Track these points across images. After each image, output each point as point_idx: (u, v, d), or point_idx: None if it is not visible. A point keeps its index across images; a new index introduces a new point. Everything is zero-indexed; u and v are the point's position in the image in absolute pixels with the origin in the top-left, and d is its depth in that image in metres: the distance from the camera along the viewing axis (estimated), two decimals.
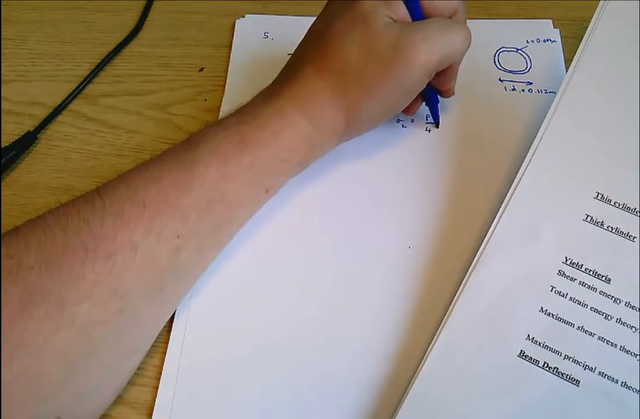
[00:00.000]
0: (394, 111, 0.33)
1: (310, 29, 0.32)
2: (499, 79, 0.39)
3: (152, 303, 0.26)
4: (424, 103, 0.36)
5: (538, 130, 0.37)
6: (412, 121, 0.38)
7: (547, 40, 0.41)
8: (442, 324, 0.28)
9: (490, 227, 0.33)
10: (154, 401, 0.28)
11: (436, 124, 0.38)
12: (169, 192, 0.26)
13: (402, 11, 0.30)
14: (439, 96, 0.36)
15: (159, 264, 0.26)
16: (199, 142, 0.28)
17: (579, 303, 0.27)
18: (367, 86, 0.30)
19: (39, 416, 0.23)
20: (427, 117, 0.38)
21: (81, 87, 0.41)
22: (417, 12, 0.30)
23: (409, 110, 0.35)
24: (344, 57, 0.29)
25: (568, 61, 0.40)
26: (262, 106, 0.30)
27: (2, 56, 0.43)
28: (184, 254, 0.27)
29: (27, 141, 0.38)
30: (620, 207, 0.29)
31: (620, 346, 0.26)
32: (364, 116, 0.31)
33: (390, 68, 0.29)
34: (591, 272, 0.28)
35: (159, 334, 0.30)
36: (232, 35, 0.43)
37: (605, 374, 0.26)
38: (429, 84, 0.33)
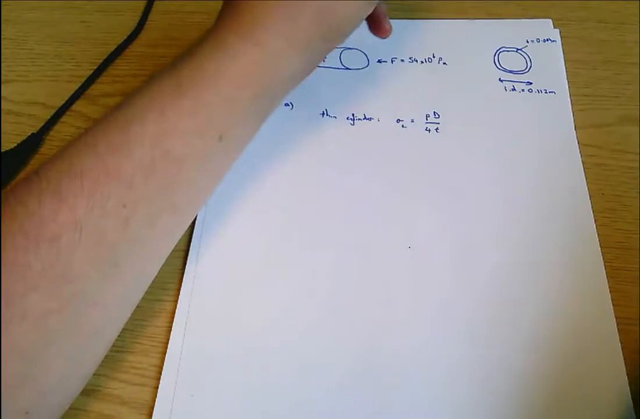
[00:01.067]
0: (367, 12, 0.29)
1: None
2: (499, 79, 0.39)
3: (108, 281, 0.24)
4: None
5: (538, 130, 0.37)
6: (412, 120, 0.38)
7: (547, 40, 0.41)
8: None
9: (490, 227, 0.33)
10: (154, 401, 0.28)
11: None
12: (106, 159, 0.24)
13: None
14: None
15: (108, 239, 0.24)
16: (132, 99, 0.26)
17: None
18: None
19: (6, 414, 0.22)
20: (426, 117, 0.38)
21: (84, 87, 0.41)
22: None
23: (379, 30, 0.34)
24: None
25: (568, 61, 0.40)
26: (201, 44, 0.27)
27: (2, 56, 0.43)
28: (133, 223, 0.24)
29: (33, 143, 0.37)
30: None
31: None
32: (340, 15, 0.28)
33: None
34: None
35: (159, 334, 0.30)
36: None
37: None
38: None
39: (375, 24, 0.34)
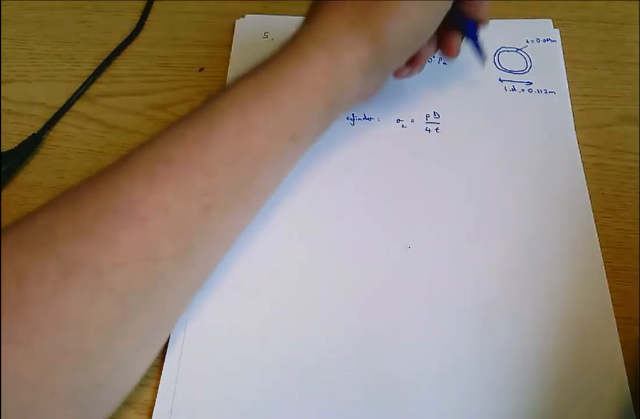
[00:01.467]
0: (423, 36, 0.31)
1: None
2: (499, 79, 0.39)
3: (185, 265, 0.26)
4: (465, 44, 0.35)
5: (538, 130, 0.37)
6: (412, 120, 0.38)
7: (547, 40, 0.41)
8: None
9: (489, 227, 0.33)
10: (154, 401, 0.28)
11: (482, 59, 0.36)
12: (193, 149, 0.26)
13: None
14: (477, 26, 0.34)
15: (190, 224, 0.25)
16: (217, 96, 0.28)
17: None
18: (389, 7, 0.29)
19: (82, 387, 0.23)
20: (426, 117, 0.38)
21: (84, 87, 0.41)
22: None
23: (450, 50, 0.34)
24: None
25: (568, 61, 0.40)
26: (280, 51, 0.29)
27: (2, 56, 0.43)
28: (213, 213, 0.26)
29: (33, 143, 0.37)
30: None
31: None
32: (390, 40, 0.30)
33: None
34: None
35: None
36: (232, 35, 0.43)
37: None
38: (463, 16, 0.32)
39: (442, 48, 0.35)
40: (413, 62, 0.34)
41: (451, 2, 0.31)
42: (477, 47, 0.35)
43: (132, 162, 0.25)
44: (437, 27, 0.32)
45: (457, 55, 0.35)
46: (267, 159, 0.28)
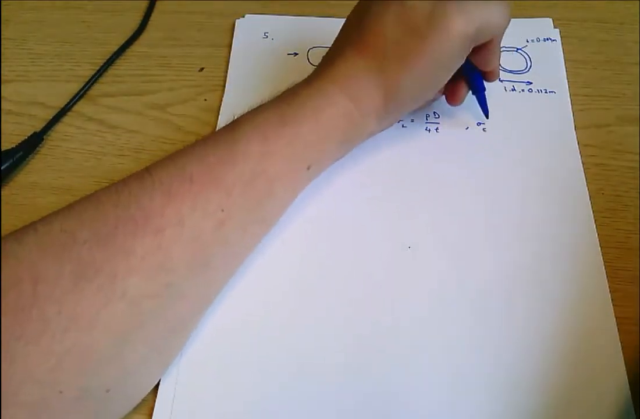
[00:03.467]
0: (434, 88, 0.33)
1: (347, 18, 0.33)
2: (499, 79, 0.39)
3: (198, 278, 0.27)
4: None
5: (538, 130, 0.37)
6: (412, 120, 0.38)
7: (548, 39, 0.41)
8: None
9: (490, 227, 0.33)
10: (154, 401, 0.28)
11: (485, 114, 0.37)
12: (214, 168, 0.27)
13: None
14: (484, 83, 0.35)
15: (204, 238, 0.26)
16: (240, 123, 0.29)
17: None
18: (404, 61, 0.30)
19: (89, 389, 0.23)
20: (426, 117, 0.38)
21: (86, 87, 0.41)
22: None
23: (454, 98, 0.35)
24: (381, 35, 0.30)
25: (568, 61, 0.40)
26: (303, 87, 0.31)
27: (2, 56, 0.43)
28: (228, 228, 0.27)
29: (34, 142, 0.37)
30: None
31: None
32: (403, 93, 0.31)
33: (426, 40, 0.29)
34: None
35: None
36: (232, 35, 0.43)
37: None
38: (472, 68, 0.32)
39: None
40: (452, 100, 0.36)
41: (464, 59, 0.31)
42: (482, 100, 0.36)
43: (154, 176, 0.27)
44: (446, 81, 0.33)
45: (460, 103, 0.36)
46: (281, 183, 0.29)
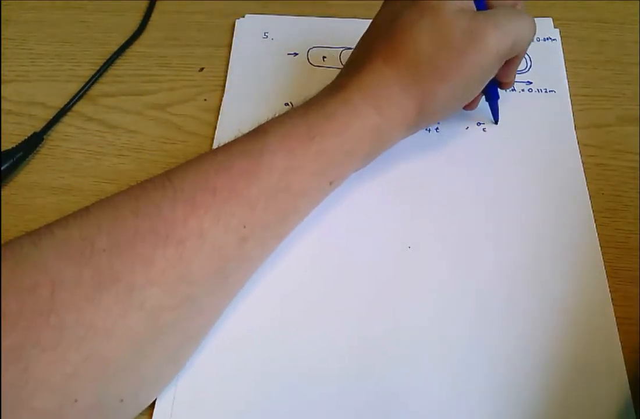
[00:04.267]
0: (466, 100, 0.33)
1: (373, 21, 0.32)
2: None
3: (216, 291, 0.27)
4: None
5: (538, 130, 0.37)
6: None
7: (548, 39, 0.41)
8: None
9: (489, 227, 0.33)
10: (154, 401, 0.28)
11: (495, 120, 0.37)
12: (237, 181, 0.27)
13: (469, 2, 0.30)
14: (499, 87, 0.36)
15: (225, 252, 0.26)
16: (266, 132, 0.29)
17: None
18: (441, 74, 0.30)
19: (104, 399, 0.23)
20: None
21: (86, 87, 0.41)
22: (481, 3, 0.31)
23: (470, 105, 0.35)
24: (414, 46, 0.30)
25: (568, 61, 0.40)
26: (330, 97, 0.30)
27: (2, 56, 0.43)
28: (249, 244, 0.27)
29: (34, 142, 0.37)
30: None
31: None
32: (437, 105, 0.31)
33: (464, 54, 0.29)
34: None
35: None
36: (232, 35, 0.43)
37: None
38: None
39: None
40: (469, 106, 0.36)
41: (496, 73, 0.32)
42: (495, 108, 0.37)
43: (176, 185, 0.26)
44: (478, 93, 0.33)
45: (474, 109, 0.36)
46: (305, 199, 0.29)
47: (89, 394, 0.23)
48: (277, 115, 0.30)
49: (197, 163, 0.27)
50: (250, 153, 0.28)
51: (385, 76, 0.30)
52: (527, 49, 0.33)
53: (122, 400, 0.24)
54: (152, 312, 0.24)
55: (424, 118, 0.32)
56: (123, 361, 0.23)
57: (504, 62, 0.31)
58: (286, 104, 0.38)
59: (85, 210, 0.26)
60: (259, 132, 0.29)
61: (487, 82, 0.32)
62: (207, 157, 0.28)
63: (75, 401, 0.22)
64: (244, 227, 0.26)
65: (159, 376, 0.26)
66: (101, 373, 0.23)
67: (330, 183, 0.30)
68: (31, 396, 0.21)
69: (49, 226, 0.25)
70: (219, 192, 0.26)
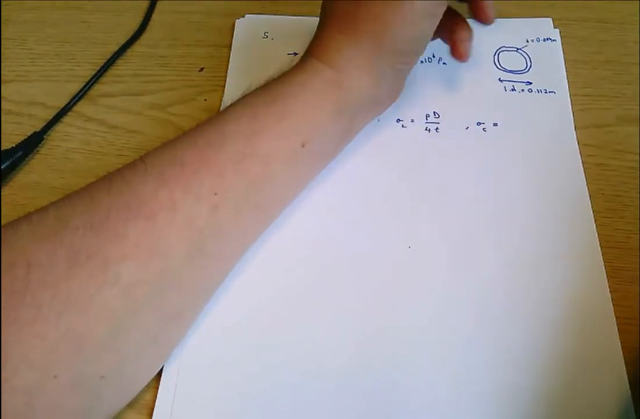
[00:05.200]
0: (424, 38, 0.32)
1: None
2: (499, 79, 0.39)
3: (193, 265, 0.27)
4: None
5: (538, 130, 0.37)
6: (412, 120, 0.38)
7: (548, 39, 0.41)
8: None
9: (489, 226, 0.33)
10: (154, 401, 0.28)
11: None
12: (204, 151, 0.27)
13: None
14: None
15: (198, 222, 0.26)
16: (230, 105, 0.30)
17: None
18: (379, 20, 0.30)
19: (83, 375, 0.23)
20: (426, 117, 0.38)
21: (86, 87, 0.41)
22: None
23: (458, 53, 0.35)
24: (351, 3, 0.30)
25: (568, 61, 0.40)
26: (288, 69, 0.31)
27: (2, 56, 0.43)
28: (221, 212, 0.27)
29: (34, 141, 0.37)
30: None
31: None
32: (388, 47, 0.31)
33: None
34: None
35: None
36: (232, 35, 0.43)
37: None
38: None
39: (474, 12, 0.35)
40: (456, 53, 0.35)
41: (444, 5, 0.31)
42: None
43: (147, 163, 0.27)
44: (432, 30, 0.32)
45: (465, 57, 0.35)
46: (275, 162, 0.29)
47: (68, 371, 0.23)
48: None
49: (169, 142, 0.28)
50: (215, 124, 0.28)
51: (331, 37, 0.31)
52: None
53: (102, 377, 0.24)
54: (128, 287, 0.24)
55: (385, 63, 0.31)
56: (101, 337, 0.24)
57: (443, 5, 0.31)
58: None
59: (64, 196, 0.27)
60: (225, 109, 0.30)
61: (438, 16, 0.31)
62: (179, 135, 0.29)
63: (55, 377, 0.23)
64: (215, 194, 0.26)
65: (139, 355, 0.26)
66: (79, 349, 0.23)
67: (303, 145, 0.29)
68: (12, 375, 0.22)
69: (29, 213, 0.25)
70: (188, 164, 0.26)
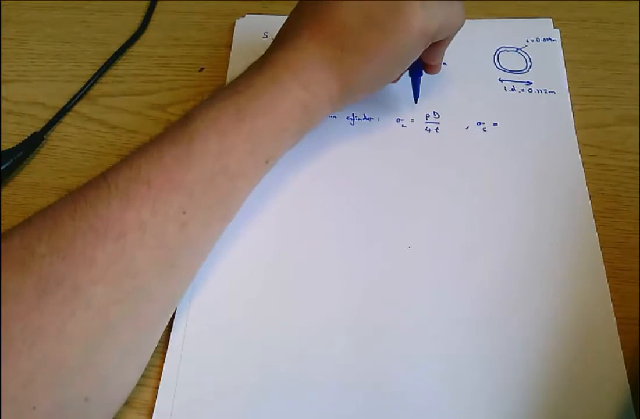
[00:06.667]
0: (389, 79, 0.33)
1: None
2: (499, 79, 0.39)
3: (165, 280, 0.27)
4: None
5: (538, 130, 0.37)
6: (412, 120, 0.38)
7: (547, 39, 0.41)
8: None
9: (489, 226, 0.33)
10: (154, 401, 0.28)
11: (415, 98, 0.38)
12: (171, 169, 0.27)
13: None
14: (423, 71, 0.36)
15: (168, 241, 0.26)
16: (194, 117, 0.28)
17: None
18: (365, 53, 0.30)
19: (67, 400, 0.23)
20: (426, 117, 0.38)
21: (86, 87, 0.41)
22: None
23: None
24: (341, 22, 0.30)
25: (568, 61, 0.40)
26: (257, 75, 0.30)
27: (2, 56, 0.43)
28: (191, 229, 0.27)
29: (34, 141, 0.37)
30: None
31: None
32: (359, 83, 0.31)
33: (388, 34, 0.29)
34: None
35: None
36: (232, 35, 0.43)
37: None
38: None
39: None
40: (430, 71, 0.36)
41: (419, 55, 0.32)
42: (416, 85, 0.37)
43: (110, 182, 0.26)
44: (402, 72, 0.33)
45: (396, 82, 0.36)
46: (243, 179, 0.29)
47: (47, 399, 0.23)
48: (205, 98, 0.30)
49: (130, 158, 0.27)
50: (181, 141, 0.27)
51: (310, 52, 0.30)
52: (453, 36, 0.33)
53: (86, 399, 0.24)
54: (100, 309, 0.24)
55: (348, 95, 0.32)
56: (78, 360, 0.23)
57: (428, 45, 0.31)
58: None
59: (27, 220, 0.26)
60: (188, 119, 0.29)
61: (410, 63, 0.32)
62: (139, 150, 0.28)
63: (34, 408, 0.22)
64: (184, 213, 0.26)
65: (120, 370, 0.26)
66: (56, 376, 0.23)
67: (267, 162, 0.30)
68: None
69: None
70: (153, 183, 0.26)
